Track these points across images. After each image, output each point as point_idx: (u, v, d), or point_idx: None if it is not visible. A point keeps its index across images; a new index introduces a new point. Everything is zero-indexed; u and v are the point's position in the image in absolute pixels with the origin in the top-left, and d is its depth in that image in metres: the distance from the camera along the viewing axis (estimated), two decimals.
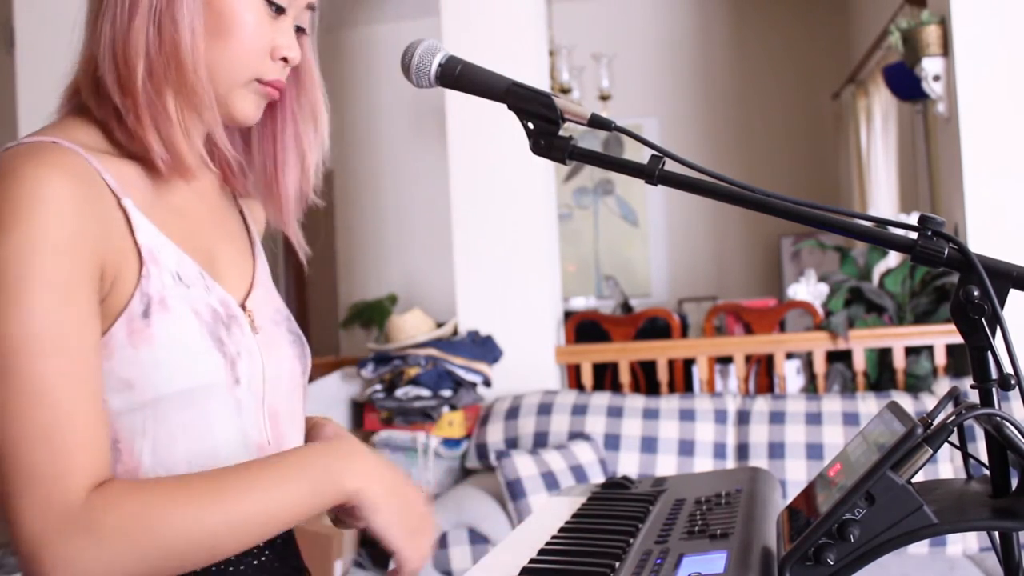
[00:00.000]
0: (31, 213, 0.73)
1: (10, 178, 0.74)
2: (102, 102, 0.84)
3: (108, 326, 0.78)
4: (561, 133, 0.89)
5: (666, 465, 2.91)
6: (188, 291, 0.83)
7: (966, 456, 0.79)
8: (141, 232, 0.81)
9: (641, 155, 0.85)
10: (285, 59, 0.89)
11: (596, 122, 0.87)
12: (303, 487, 0.78)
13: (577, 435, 2.98)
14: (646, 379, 3.75)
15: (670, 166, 0.85)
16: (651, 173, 0.84)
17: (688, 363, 3.58)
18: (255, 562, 0.86)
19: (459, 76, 0.92)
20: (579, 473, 2.82)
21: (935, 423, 0.72)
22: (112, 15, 0.83)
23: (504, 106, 0.91)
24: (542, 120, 0.88)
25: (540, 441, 3.01)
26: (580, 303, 5.54)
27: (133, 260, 0.80)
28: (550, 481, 2.75)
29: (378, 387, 3.20)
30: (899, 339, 3.20)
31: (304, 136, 0.97)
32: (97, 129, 0.84)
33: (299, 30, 0.92)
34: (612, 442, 2.96)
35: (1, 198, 0.74)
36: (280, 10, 0.88)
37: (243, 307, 0.90)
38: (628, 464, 2.92)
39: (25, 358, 0.72)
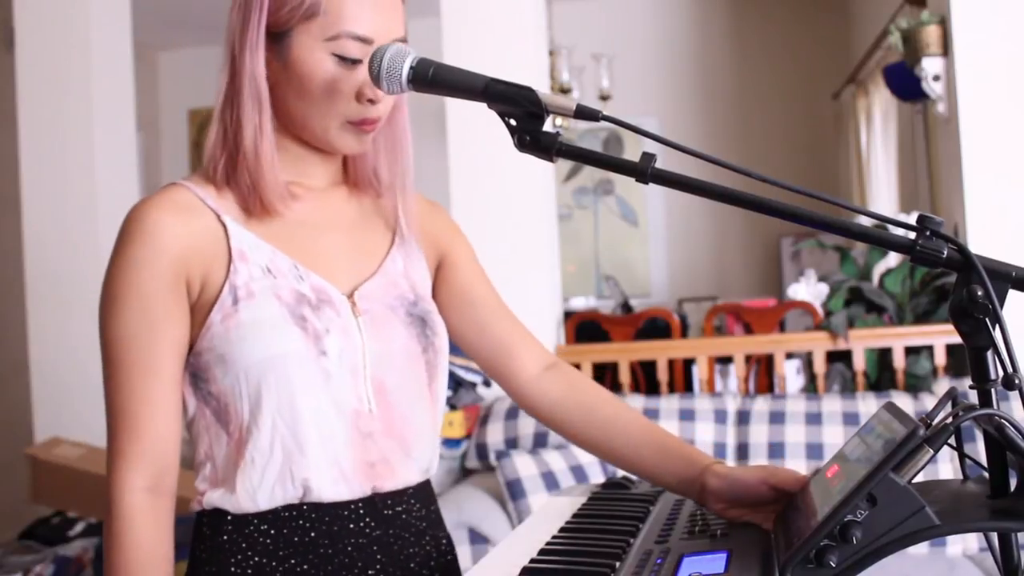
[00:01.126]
0: (128, 245, 1.00)
1: (126, 218, 1.02)
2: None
3: (206, 315, 1.00)
4: (552, 131, 0.87)
5: None
6: (275, 280, 1.02)
7: (963, 456, 0.79)
8: (235, 238, 1.02)
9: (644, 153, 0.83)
10: (371, 100, 1.01)
11: (582, 112, 0.84)
12: None
13: None
14: (646, 379, 3.75)
15: (669, 165, 0.84)
16: (643, 171, 0.81)
17: (688, 363, 3.58)
18: (350, 525, 1.04)
19: (433, 78, 0.90)
20: (579, 473, 2.81)
21: (935, 424, 0.72)
22: (218, 114, 1.04)
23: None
24: (526, 115, 0.86)
25: (540, 441, 3.01)
26: (580, 303, 5.54)
27: (223, 260, 1.01)
28: (550, 481, 2.75)
29: None
30: (899, 339, 3.20)
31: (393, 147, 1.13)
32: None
33: None
34: None
35: (119, 233, 1.01)
36: (355, 62, 1.00)
37: (352, 294, 1.05)
38: None
39: (115, 353, 0.99)
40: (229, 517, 1.01)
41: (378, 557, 1.03)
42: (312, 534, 1.01)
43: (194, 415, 1.04)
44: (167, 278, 0.99)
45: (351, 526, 1.02)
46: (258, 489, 1.00)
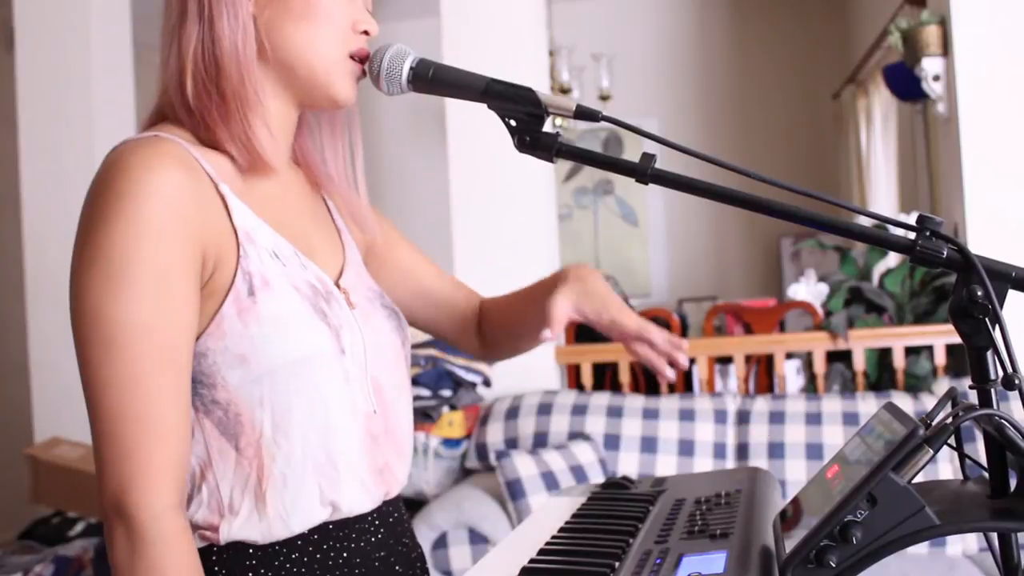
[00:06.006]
0: (135, 201, 0.80)
1: (117, 169, 0.82)
2: (185, 114, 0.90)
3: (218, 305, 0.85)
4: (551, 131, 0.87)
5: (666, 465, 2.91)
6: (285, 268, 0.89)
7: (963, 457, 0.79)
8: (237, 214, 0.87)
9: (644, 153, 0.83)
10: (366, 32, 0.95)
11: (582, 113, 0.84)
12: None
13: (577, 435, 2.98)
14: (646, 379, 3.75)
15: (669, 165, 0.83)
16: (643, 171, 0.81)
17: (688, 363, 3.58)
18: (372, 539, 0.95)
19: (433, 78, 0.89)
20: (579, 473, 2.81)
21: (935, 424, 0.72)
22: (177, 41, 0.90)
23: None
24: (526, 116, 0.86)
25: (540, 441, 3.01)
26: None
27: (231, 240, 0.86)
28: (550, 481, 2.75)
29: None
30: (899, 339, 3.20)
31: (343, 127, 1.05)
32: (187, 131, 0.91)
33: None
34: (612, 442, 2.96)
35: (109, 188, 0.81)
36: None
37: (337, 285, 0.96)
38: (628, 464, 2.92)
39: (125, 340, 0.80)
40: (251, 550, 0.87)
41: (397, 569, 0.98)
42: (345, 555, 0.92)
43: None
44: (186, 252, 0.82)
45: (374, 539, 0.95)
46: (291, 512, 0.87)
